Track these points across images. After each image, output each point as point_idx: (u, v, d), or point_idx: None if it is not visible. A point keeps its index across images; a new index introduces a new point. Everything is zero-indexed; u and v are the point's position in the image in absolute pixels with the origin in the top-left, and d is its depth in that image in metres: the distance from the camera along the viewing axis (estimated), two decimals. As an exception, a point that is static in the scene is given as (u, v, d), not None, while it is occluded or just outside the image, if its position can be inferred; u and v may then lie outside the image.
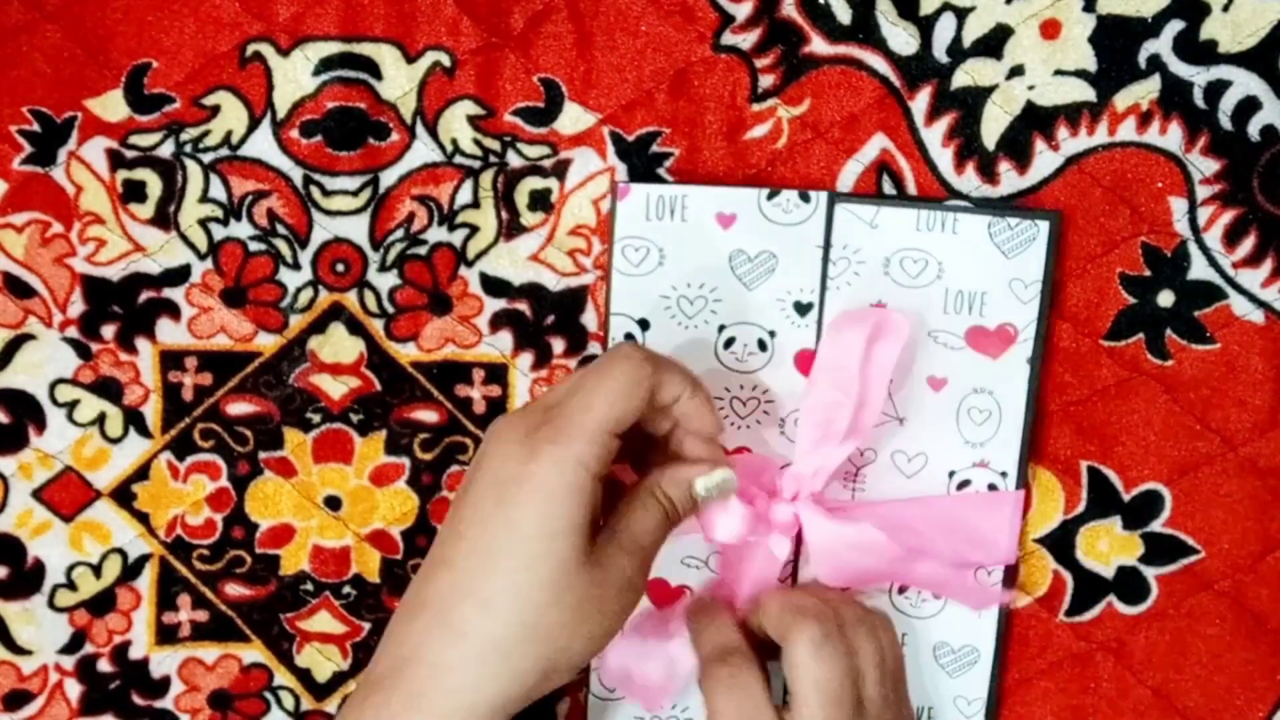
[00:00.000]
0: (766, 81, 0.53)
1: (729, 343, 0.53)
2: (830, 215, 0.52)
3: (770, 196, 0.52)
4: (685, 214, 0.52)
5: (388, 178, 0.54)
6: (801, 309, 0.53)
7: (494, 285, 0.55)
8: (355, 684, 0.46)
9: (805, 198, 0.52)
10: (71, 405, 0.55)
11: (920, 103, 0.53)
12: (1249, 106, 0.53)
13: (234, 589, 0.57)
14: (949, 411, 0.54)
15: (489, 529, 0.43)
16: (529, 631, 0.42)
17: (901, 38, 0.53)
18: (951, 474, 0.54)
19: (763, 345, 0.53)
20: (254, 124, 0.54)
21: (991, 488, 0.54)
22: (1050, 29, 0.53)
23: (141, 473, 0.56)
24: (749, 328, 0.53)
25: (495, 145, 0.54)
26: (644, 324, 0.53)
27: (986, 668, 0.55)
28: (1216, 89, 0.53)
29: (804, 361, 0.53)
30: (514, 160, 0.54)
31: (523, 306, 0.55)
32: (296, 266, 0.55)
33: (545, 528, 0.42)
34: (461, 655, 0.42)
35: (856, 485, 0.54)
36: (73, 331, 0.55)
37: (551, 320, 0.55)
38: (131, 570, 0.56)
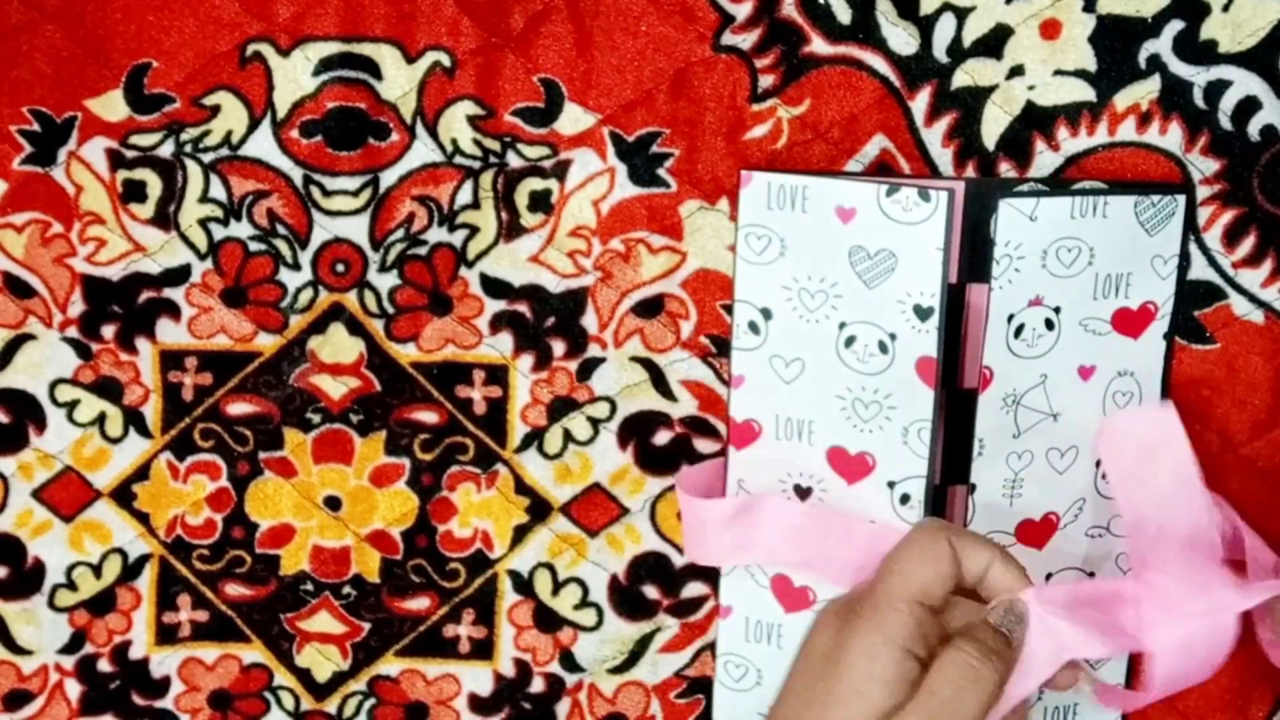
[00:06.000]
0: (766, 81, 0.53)
1: (850, 341, 0.52)
2: (948, 208, 0.50)
3: (890, 193, 0.50)
4: (805, 205, 0.51)
5: (388, 178, 0.54)
6: (922, 313, 0.51)
7: (494, 286, 0.55)
8: None
9: (925, 196, 0.50)
10: (71, 405, 0.55)
11: (920, 103, 0.53)
12: (1249, 106, 0.53)
13: (234, 589, 0.57)
14: (1096, 399, 0.53)
15: (813, 693, 0.46)
16: None
17: (901, 38, 0.53)
18: (1098, 463, 0.53)
19: (884, 348, 0.51)
20: (254, 124, 0.54)
21: None
22: (1050, 29, 0.53)
23: (141, 473, 0.56)
24: (870, 328, 0.51)
25: (495, 145, 0.54)
26: (766, 313, 0.53)
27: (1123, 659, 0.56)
28: (1216, 89, 0.53)
29: (925, 369, 0.51)
30: (514, 161, 0.54)
31: (523, 308, 0.55)
32: (296, 267, 0.55)
33: (853, 692, 0.45)
34: None
35: (1014, 492, 0.53)
36: (73, 331, 0.55)
37: (552, 322, 0.55)
38: (131, 570, 0.56)
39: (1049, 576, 0.54)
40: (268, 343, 0.55)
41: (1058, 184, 0.53)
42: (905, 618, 0.45)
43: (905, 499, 0.52)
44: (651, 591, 0.57)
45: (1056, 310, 0.52)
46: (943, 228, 0.50)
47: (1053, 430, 0.53)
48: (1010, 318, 0.52)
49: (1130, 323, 0.53)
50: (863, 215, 0.51)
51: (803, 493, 0.53)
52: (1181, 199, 0.52)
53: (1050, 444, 0.53)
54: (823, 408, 0.53)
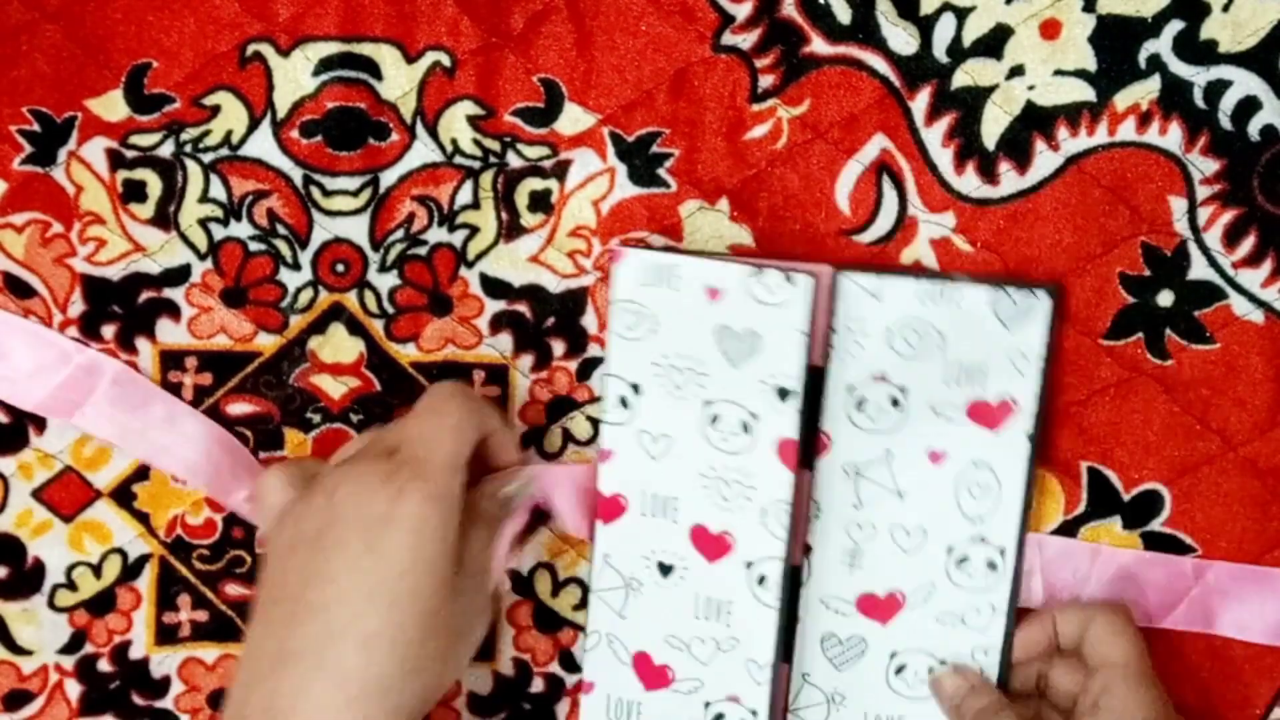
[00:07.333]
0: (766, 81, 0.53)
1: (714, 419, 0.52)
2: (812, 292, 0.51)
3: (755, 275, 0.51)
4: (677, 283, 0.52)
5: (388, 178, 0.54)
6: (784, 394, 0.51)
7: (494, 286, 0.55)
8: None
9: (789, 279, 0.50)
10: (71, 405, 0.55)
11: (920, 103, 0.53)
12: (1249, 106, 0.53)
13: (234, 589, 0.57)
14: (948, 485, 0.53)
15: (361, 569, 0.44)
16: (409, 667, 0.43)
17: (901, 38, 0.53)
18: (950, 549, 0.53)
19: (746, 427, 0.52)
20: (254, 124, 0.54)
21: (990, 565, 0.53)
22: (1050, 29, 0.53)
23: (141, 472, 0.56)
24: (733, 407, 0.52)
25: (495, 146, 0.54)
26: (636, 388, 0.53)
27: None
28: (1216, 89, 0.53)
29: (786, 451, 0.51)
30: (514, 161, 0.54)
31: (523, 308, 0.55)
32: (296, 266, 0.55)
33: (418, 563, 0.44)
34: (346, 698, 0.42)
35: (855, 563, 0.53)
36: (73, 331, 0.55)
37: (552, 322, 0.55)
38: (131, 570, 0.56)
39: (893, 655, 0.54)
40: (268, 343, 0.55)
41: (912, 271, 0.53)
42: (459, 483, 0.46)
43: (762, 580, 0.53)
44: (651, 591, 0.57)
45: (903, 390, 0.52)
46: (806, 311, 0.50)
47: (898, 508, 0.53)
48: (851, 389, 0.52)
49: (987, 415, 0.52)
50: (730, 295, 0.51)
51: (665, 570, 0.54)
52: (1045, 297, 0.51)
53: (895, 521, 0.53)
54: (687, 485, 0.53)
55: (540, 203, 0.54)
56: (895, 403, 0.52)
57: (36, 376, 0.54)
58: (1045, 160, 0.53)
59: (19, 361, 0.54)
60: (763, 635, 0.53)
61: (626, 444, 0.53)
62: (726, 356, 0.51)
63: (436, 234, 0.54)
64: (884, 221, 0.54)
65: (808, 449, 0.52)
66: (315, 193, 0.54)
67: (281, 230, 0.54)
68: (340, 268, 0.55)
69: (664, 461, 0.53)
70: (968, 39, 0.53)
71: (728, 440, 0.52)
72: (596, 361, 0.55)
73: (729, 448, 0.52)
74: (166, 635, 0.57)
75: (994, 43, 0.53)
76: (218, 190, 0.54)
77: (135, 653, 0.57)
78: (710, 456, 0.52)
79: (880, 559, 0.53)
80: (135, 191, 0.54)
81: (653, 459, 0.53)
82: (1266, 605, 0.54)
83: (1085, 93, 0.53)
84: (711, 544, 0.53)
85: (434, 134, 0.54)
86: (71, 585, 0.56)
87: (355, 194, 0.54)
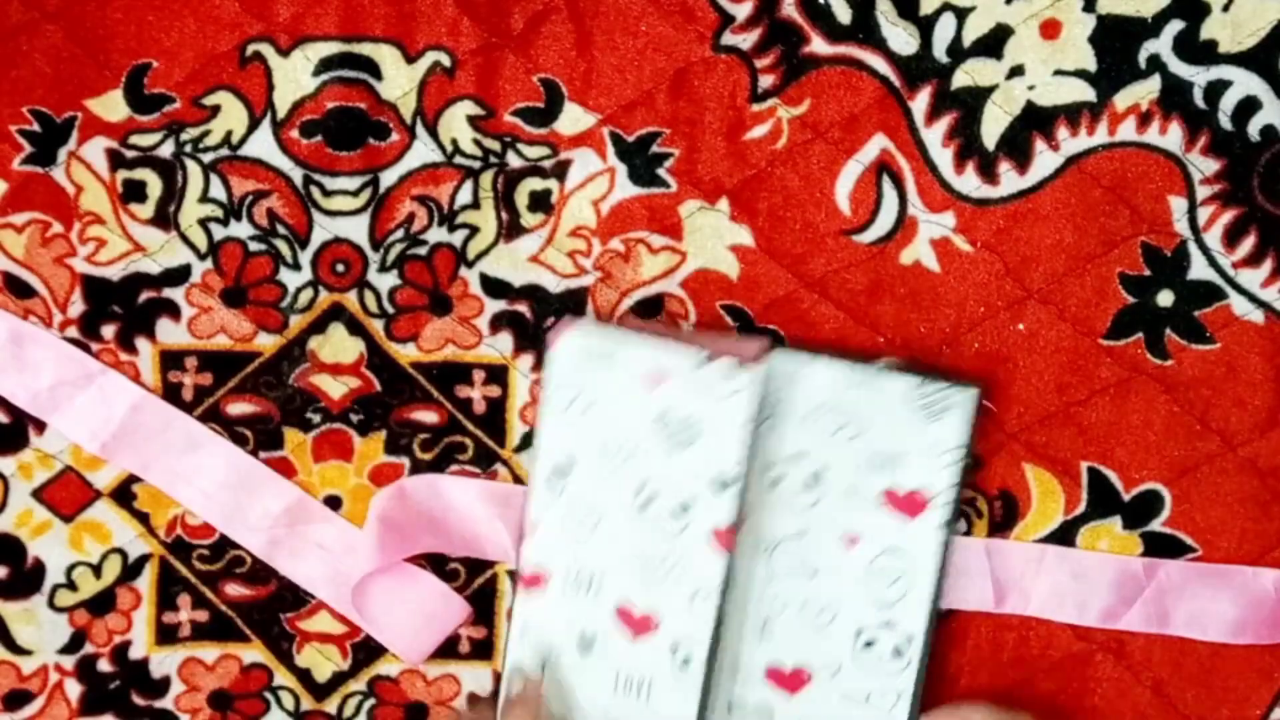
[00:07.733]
0: (766, 81, 0.53)
1: (648, 502, 0.52)
2: (760, 383, 0.51)
3: (705, 363, 0.51)
4: (616, 367, 0.52)
5: (388, 178, 0.54)
6: (723, 483, 0.51)
7: (494, 286, 0.55)
8: None
9: (740, 367, 0.50)
10: (71, 405, 0.55)
11: (920, 103, 0.53)
12: (1249, 106, 0.53)
13: (234, 589, 0.57)
14: (860, 569, 0.53)
15: None
16: None
17: (901, 38, 0.53)
18: (858, 633, 0.53)
19: (681, 511, 0.52)
20: (254, 124, 0.54)
21: (897, 652, 0.53)
22: (1050, 29, 0.53)
23: (141, 473, 0.56)
24: (668, 492, 0.52)
25: (495, 146, 0.54)
26: (568, 465, 0.52)
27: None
28: (1216, 89, 0.53)
29: (720, 537, 0.51)
30: (514, 161, 0.54)
31: (523, 308, 0.55)
32: (296, 266, 0.55)
33: None
34: None
35: (764, 633, 0.53)
36: (73, 331, 0.55)
37: (552, 322, 0.55)
38: (131, 570, 0.56)
39: None
40: (268, 343, 0.55)
41: (842, 354, 0.53)
42: None
43: (686, 662, 0.52)
44: (651, 591, 0.57)
45: (820, 471, 0.52)
46: (751, 402, 0.50)
47: (809, 588, 0.53)
48: (769, 466, 0.52)
49: (903, 504, 0.53)
50: (674, 382, 0.51)
51: (585, 645, 0.53)
52: (972, 393, 0.52)
53: (806, 599, 0.53)
54: (614, 563, 0.53)
55: (540, 203, 0.54)
56: (812, 483, 0.52)
57: (57, 390, 0.54)
58: (1045, 160, 0.53)
59: (41, 373, 0.54)
60: (685, 715, 0.53)
61: (553, 518, 0.53)
62: (665, 442, 0.51)
63: (436, 234, 0.54)
64: (884, 221, 0.54)
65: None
66: (315, 193, 0.54)
67: (281, 230, 0.54)
68: (340, 268, 0.55)
69: (591, 540, 0.53)
70: (968, 39, 0.53)
71: (661, 525, 0.52)
72: (596, 361, 0.55)
73: (663, 531, 0.52)
74: (166, 635, 0.57)
75: (994, 43, 0.53)
76: (218, 190, 0.54)
77: (135, 653, 0.57)
78: (641, 538, 0.52)
79: (789, 633, 0.54)
80: (135, 191, 0.54)
81: (579, 536, 0.53)
82: (1220, 603, 0.55)
83: (1085, 93, 0.53)
84: (635, 623, 0.53)
85: (434, 134, 0.54)
86: (71, 585, 0.56)
87: (355, 194, 0.54)
